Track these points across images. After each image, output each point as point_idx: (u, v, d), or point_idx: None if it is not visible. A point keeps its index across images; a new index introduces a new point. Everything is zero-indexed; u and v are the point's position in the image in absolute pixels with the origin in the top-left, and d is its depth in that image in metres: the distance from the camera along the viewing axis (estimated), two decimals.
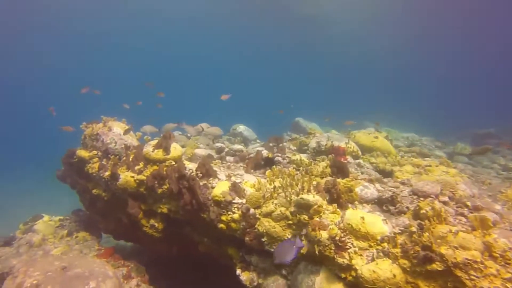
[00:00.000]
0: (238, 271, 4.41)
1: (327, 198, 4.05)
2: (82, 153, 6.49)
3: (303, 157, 5.86)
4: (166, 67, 50.26)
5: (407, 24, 26.98)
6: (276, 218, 4.08)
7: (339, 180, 4.25)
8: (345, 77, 48.11)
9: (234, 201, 4.41)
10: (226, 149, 7.15)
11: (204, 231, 5.04)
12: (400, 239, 3.24)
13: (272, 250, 4.06)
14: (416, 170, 5.55)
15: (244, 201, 4.40)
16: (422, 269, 2.92)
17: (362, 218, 3.52)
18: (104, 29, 35.18)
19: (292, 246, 3.29)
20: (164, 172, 5.06)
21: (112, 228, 6.90)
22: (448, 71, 40.10)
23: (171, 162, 5.42)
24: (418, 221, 3.36)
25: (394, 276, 3.00)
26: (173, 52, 44.18)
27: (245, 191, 4.58)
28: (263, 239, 4.12)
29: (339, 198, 3.99)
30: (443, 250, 2.83)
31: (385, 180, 5.14)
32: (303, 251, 3.73)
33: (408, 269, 3.02)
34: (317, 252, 3.55)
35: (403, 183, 4.73)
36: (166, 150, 5.40)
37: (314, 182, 4.31)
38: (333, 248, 3.50)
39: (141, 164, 5.59)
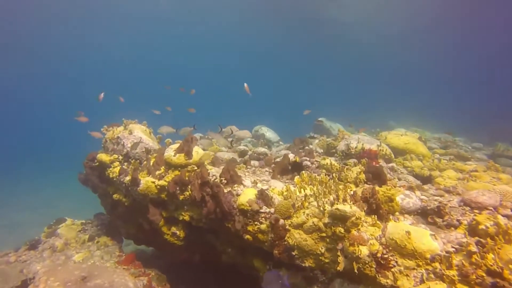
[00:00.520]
0: None
1: (365, 208, 3.65)
2: (103, 157, 6.36)
3: (333, 161, 5.46)
4: (183, 71, 50.86)
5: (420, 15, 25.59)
6: (308, 230, 3.73)
7: (377, 188, 3.83)
8: (363, 75, 46.89)
9: (261, 210, 4.09)
10: (250, 152, 6.84)
11: (228, 240, 4.75)
12: (456, 260, 2.81)
13: (304, 264, 3.73)
14: (460, 176, 5.02)
15: (272, 210, 4.07)
16: None
17: (408, 232, 3.10)
18: (133, 32, 35.78)
19: (278, 281, 3.16)
20: (186, 178, 4.81)
21: (133, 233, 6.75)
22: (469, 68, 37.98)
23: (193, 167, 5.17)
24: (477, 238, 2.92)
25: None
26: (188, 55, 44.36)
27: (273, 199, 4.25)
28: (293, 253, 3.79)
29: (379, 209, 3.58)
30: None
31: (426, 187, 4.67)
32: (339, 267, 3.37)
33: None
34: (355, 270, 3.18)
35: (448, 191, 4.25)
36: (188, 154, 5.15)
37: (350, 190, 3.93)
38: (374, 266, 3.12)
39: (162, 169, 5.37)
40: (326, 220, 3.64)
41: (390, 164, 6.14)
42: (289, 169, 5.40)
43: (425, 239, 3.06)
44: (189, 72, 52.04)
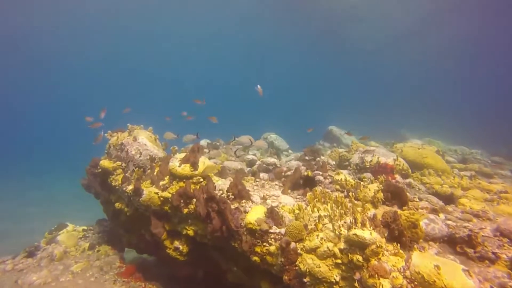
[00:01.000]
0: None
1: (386, 234, 3.31)
2: (106, 163, 6.13)
3: (347, 175, 5.11)
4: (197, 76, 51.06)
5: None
6: (321, 255, 3.39)
7: (400, 212, 3.49)
8: (372, 82, 46.39)
9: (271, 231, 3.77)
10: (258, 162, 6.53)
11: (234, 259, 4.43)
12: None
13: None
14: (487, 197, 4.63)
15: (282, 230, 3.75)
16: None
17: (437, 267, 2.76)
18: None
19: None
20: (191, 191, 4.52)
21: (135, 243, 6.48)
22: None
23: (199, 178, 4.89)
24: None
25: None
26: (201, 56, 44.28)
27: (283, 218, 3.93)
28: (305, 279, 3.45)
29: (402, 236, 3.24)
30: None
31: (450, 208, 4.29)
32: None
33: None
34: None
35: (476, 215, 3.87)
36: (194, 165, 4.86)
37: (369, 212, 3.60)
38: None
39: (167, 179, 5.09)
40: (342, 245, 3.31)
41: (407, 180, 5.78)
42: (301, 184, 5.08)
43: (458, 275, 2.71)
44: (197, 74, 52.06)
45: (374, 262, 3.04)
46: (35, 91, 51.94)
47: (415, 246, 3.22)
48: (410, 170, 6.12)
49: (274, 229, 3.79)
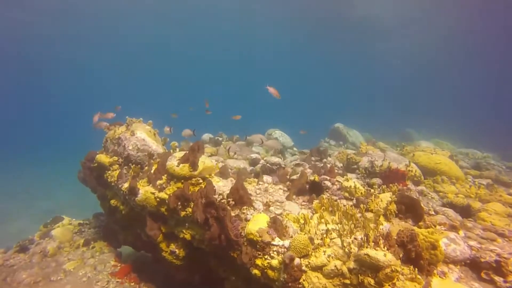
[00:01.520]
0: None
1: (401, 255, 2.99)
2: (102, 158, 5.83)
3: (357, 182, 4.77)
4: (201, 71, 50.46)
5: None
6: (328, 274, 3.08)
7: (417, 230, 3.16)
8: (378, 81, 45.61)
9: (273, 242, 3.46)
10: (262, 161, 6.20)
11: (232, 269, 4.14)
12: None
13: None
14: (511, 212, 4.27)
15: (286, 242, 3.44)
16: None
17: None
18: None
19: None
20: (189, 193, 4.21)
21: (131, 241, 6.24)
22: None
23: (198, 179, 4.57)
24: None
25: None
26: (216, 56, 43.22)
27: (287, 228, 3.62)
28: None
29: (419, 259, 2.91)
30: None
31: (469, 224, 3.95)
32: None
33: None
34: None
35: (501, 235, 3.52)
36: (193, 165, 4.54)
37: (382, 227, 3.27)
38: None
39: (164, 179, 4.78)
40: (352, 265, 2.99)
41: (420, 187, 5.43)
42: (307, 189, 4.75)
43: None
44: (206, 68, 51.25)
45: (387, 287, 2.73)
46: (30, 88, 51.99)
47: (434, 271, 2.89)
48: (422, 177, 5.77)
49: (277, 241, 3.48)
